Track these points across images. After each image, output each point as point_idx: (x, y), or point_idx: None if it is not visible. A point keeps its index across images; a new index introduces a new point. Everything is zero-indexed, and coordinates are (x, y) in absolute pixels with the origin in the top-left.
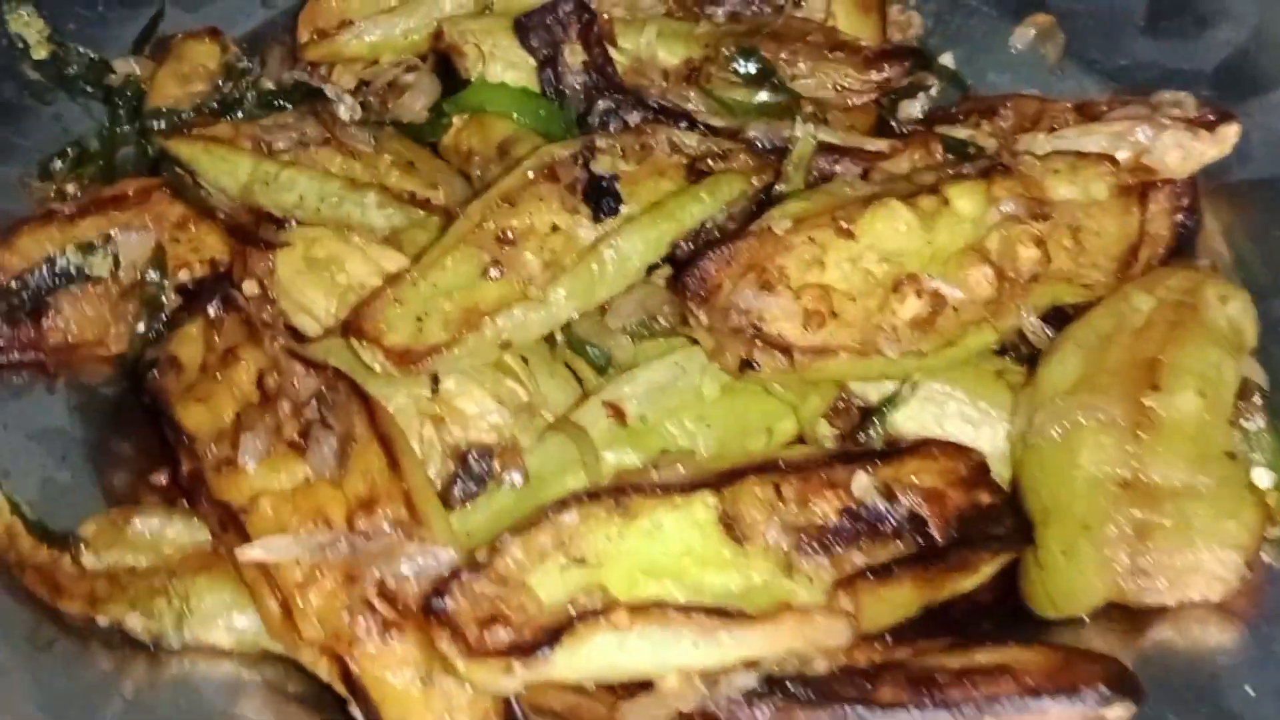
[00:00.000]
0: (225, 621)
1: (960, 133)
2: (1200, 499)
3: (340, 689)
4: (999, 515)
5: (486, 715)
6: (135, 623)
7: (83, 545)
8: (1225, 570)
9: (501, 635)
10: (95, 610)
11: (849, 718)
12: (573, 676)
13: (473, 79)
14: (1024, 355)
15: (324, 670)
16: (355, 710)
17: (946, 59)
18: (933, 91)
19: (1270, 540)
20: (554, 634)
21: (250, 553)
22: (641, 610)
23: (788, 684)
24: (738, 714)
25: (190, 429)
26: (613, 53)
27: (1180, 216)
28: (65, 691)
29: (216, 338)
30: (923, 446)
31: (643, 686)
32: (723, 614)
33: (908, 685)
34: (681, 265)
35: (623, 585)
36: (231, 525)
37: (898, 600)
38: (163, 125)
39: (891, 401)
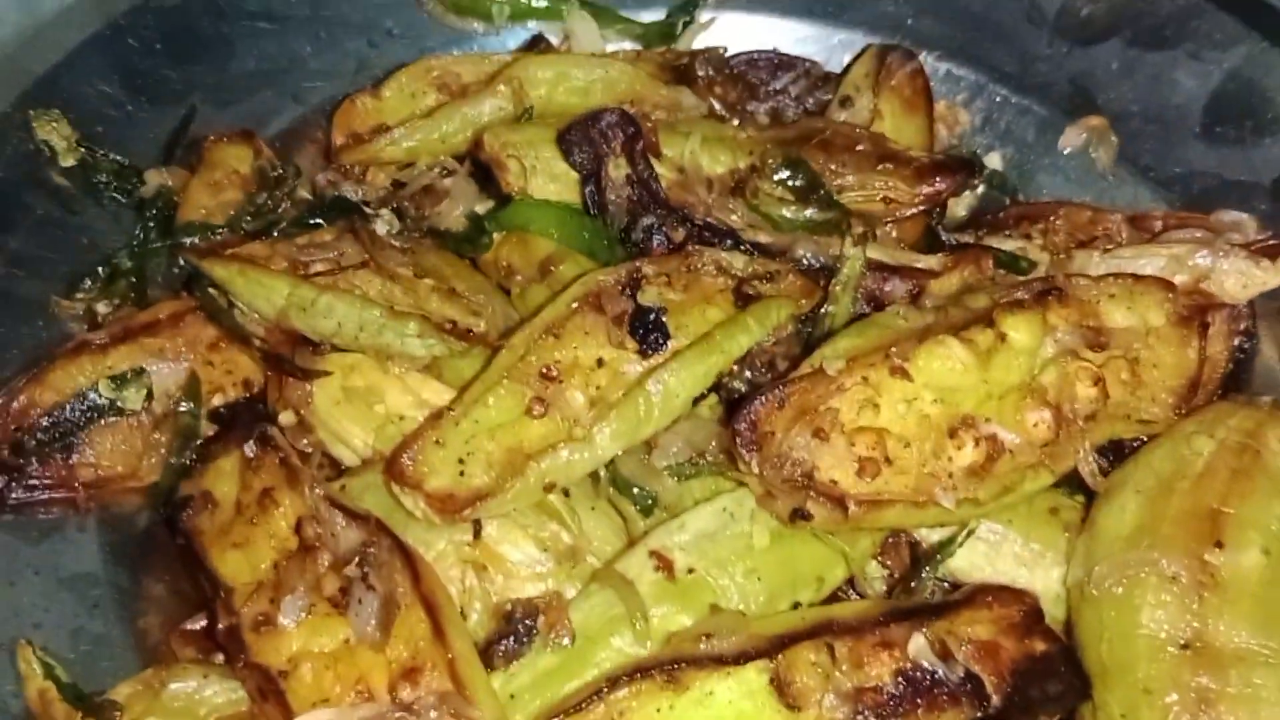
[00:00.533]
0: None
1: (1010, 244)
2: (1266, 665)
3: None
4: (1055, 665)
5: None
6: None
7: (117, 713)
8: None
9: None
10: None
11: None
12: None
13: (515, 194)
14: (1077, 485)
15: None
16: None
17: (994, 159)
18: (979, 190)
19: None
20: None
21: None
22: None
23: None
24: None
25: (227, 580)
26: (655, 163)
27: (1238, 340)
28: None
29: (252, 476)
30: (977, 595)
31: None
32: None
33: None
34: (731, 409)
35: None
36: (271, 694)
37: None
38: (195, 241)
39: (946, 548)
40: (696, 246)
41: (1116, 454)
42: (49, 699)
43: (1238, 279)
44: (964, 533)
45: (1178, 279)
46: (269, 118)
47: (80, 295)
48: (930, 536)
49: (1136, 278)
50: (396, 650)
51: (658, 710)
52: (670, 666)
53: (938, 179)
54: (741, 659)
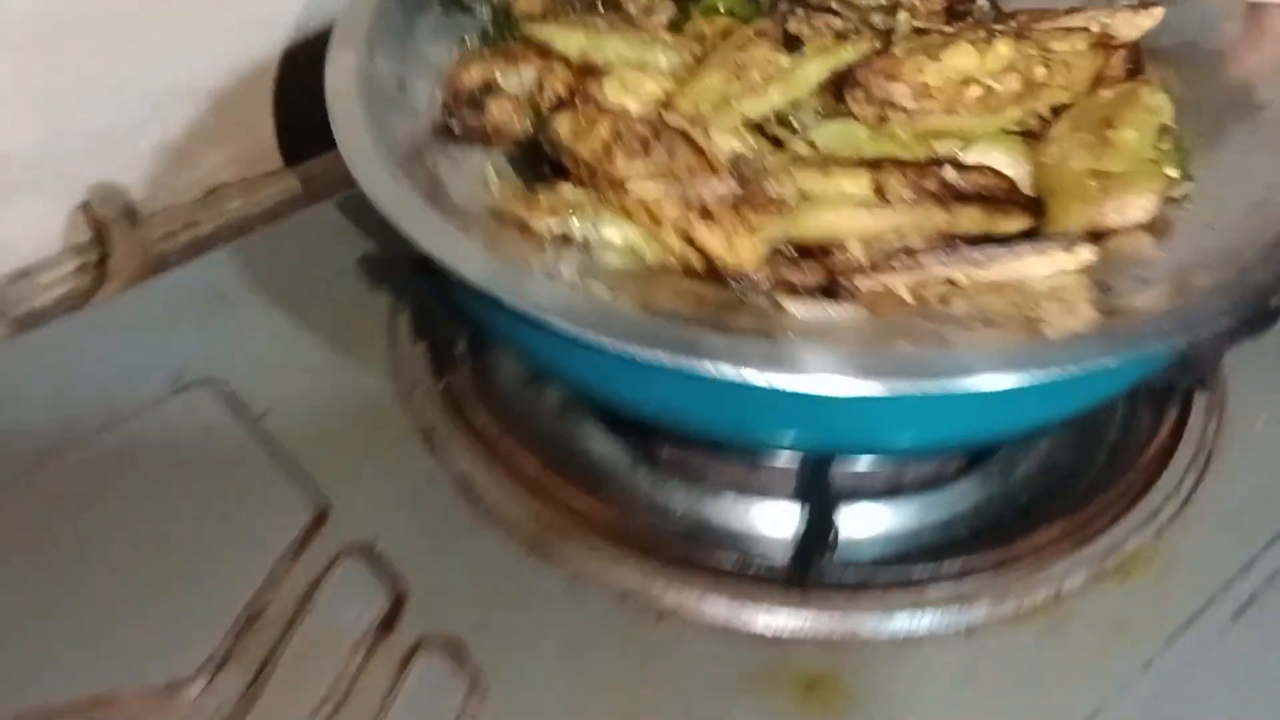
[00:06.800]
0: None
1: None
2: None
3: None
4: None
5: None
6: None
7: None
8: None
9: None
10: None
11: None
12: None
13: None
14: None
15: None
16: None
17: None
18: None
19: None
20: None
21: None
22: None
23: None
24: None
25: (586, 157)
26: None
27: (1130, 66)
28: None
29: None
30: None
31: None
32: None
33: None
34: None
35: None
36: None
37: None
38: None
39: None
40: (812, 13)
41: None
42: None
43: (1127, 26)
44: None
45: (1092, 28)
46: None
47: None
48: None
49: (1068, 28)
50: None
51: None
52: None
53: None
54: None
